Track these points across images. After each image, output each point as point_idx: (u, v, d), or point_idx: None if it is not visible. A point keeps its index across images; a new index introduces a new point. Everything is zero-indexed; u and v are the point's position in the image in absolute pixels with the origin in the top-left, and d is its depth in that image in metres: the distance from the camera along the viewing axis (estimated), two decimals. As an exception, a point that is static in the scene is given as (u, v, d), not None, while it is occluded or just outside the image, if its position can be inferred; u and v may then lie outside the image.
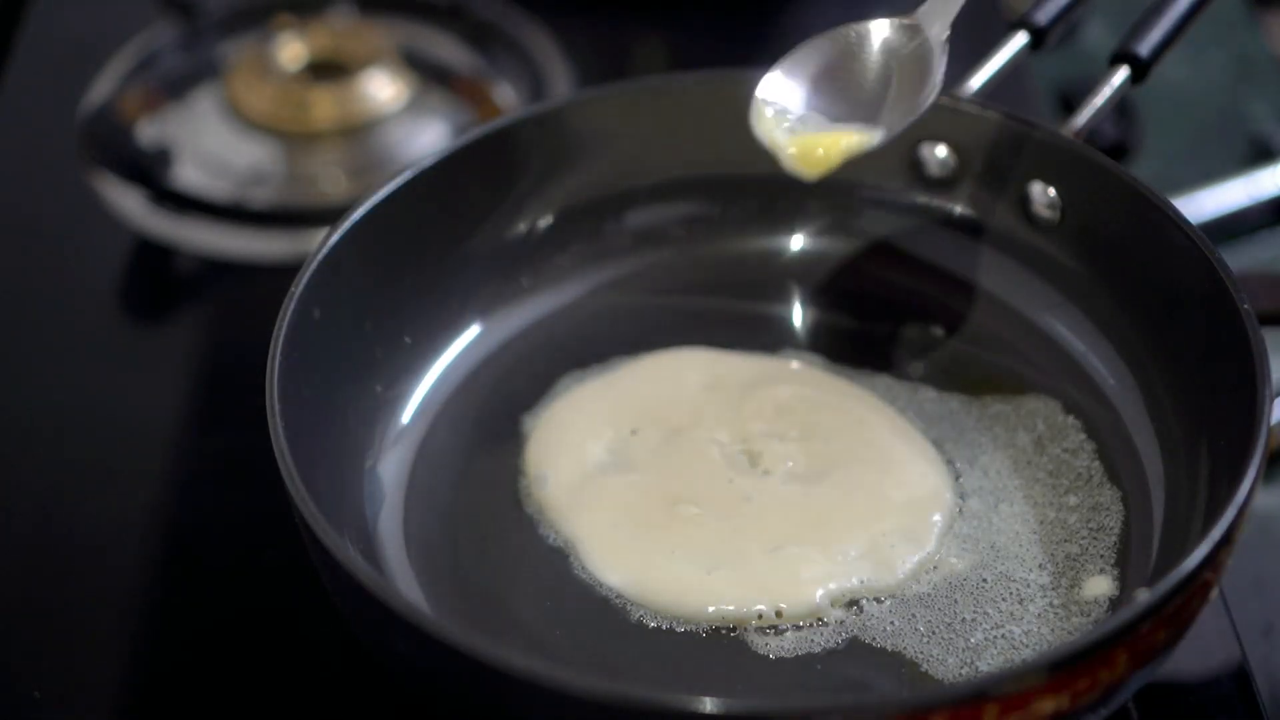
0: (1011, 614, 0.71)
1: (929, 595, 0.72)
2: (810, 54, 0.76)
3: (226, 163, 1.01)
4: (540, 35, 1.06)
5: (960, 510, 0.75)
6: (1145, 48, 0.79)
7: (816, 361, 0.81)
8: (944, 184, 0.83)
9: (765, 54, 1.09)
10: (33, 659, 0.77)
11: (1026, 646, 0.70)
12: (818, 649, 0.70)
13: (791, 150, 0.75)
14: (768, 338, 0.83)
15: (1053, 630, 0.70)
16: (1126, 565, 0.72)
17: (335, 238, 0.76)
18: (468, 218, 0.81)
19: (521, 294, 0.83)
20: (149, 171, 0.99)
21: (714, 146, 0.84)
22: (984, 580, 0.72)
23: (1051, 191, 0.80)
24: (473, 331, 0.82)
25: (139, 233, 0.97)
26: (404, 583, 0.72)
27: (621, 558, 0.73)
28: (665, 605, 0.72)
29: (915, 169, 0.83)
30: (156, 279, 0.98)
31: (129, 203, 0.98)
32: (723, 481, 0.75)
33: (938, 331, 0.82)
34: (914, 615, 0.71)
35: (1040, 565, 0.72)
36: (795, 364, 0.81)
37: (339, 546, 0.64)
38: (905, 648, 0.70)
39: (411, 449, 0.78)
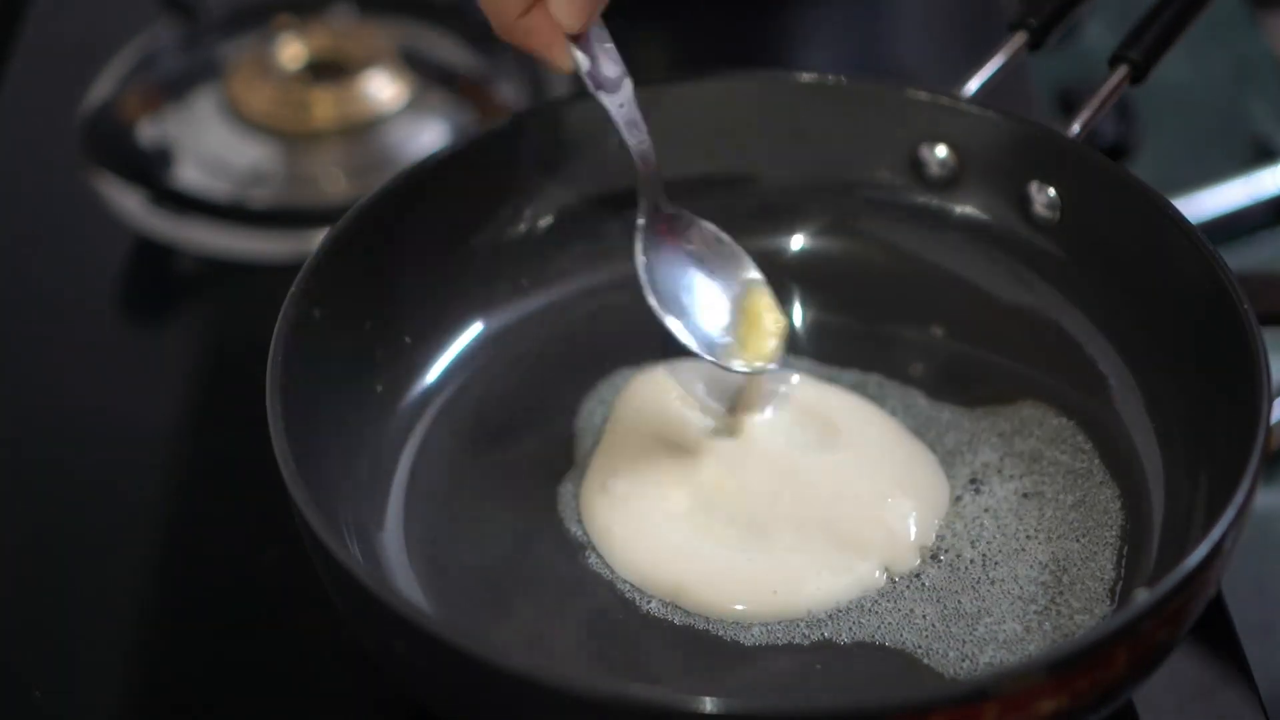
0: (1013, 612, 0.71)
1: (930, 595, 0.72)
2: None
3: (226, 163, 1.01)
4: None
5: (960, 510, 0.75)
6: (1145, 48, 0.79)
7: (815, 363, 0.82)
8: (944, 184, 0.83)
9: (765, 54, 1.10)
10: (33, 659, 0.77)
11: (1028, 642, 0.70)
12: (818, 647, 0.70)
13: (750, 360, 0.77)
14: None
15: (1055, 627, 0.70)
16: (1127, 565, 0.72)
17: (335, 237, 0.76)
18: (468, 218, 0.81)
19: (521, 294, 0.83)
20: (149, 171, 0.99)
21: (713, 146, 0.84)
22: (985, 578, 0.72)
23: (1051, 191, 0.80)
24: (473, 331, 0.82)
25: (139, 233, 0.97)
26: (404, 583, 0.72)
27: (629, 555, 0.73)
28: (675, 597, 0.72)
29: (915, 169, 0.83)
30: (156, 279, 0.98)
31: (129, 203, 0.98)
32: (729, 485, 0.75)
33: (937, 332, 0.83)
34: (914, 613, 0.71)
35: (1041, 564, 0.73)
36: (795, 375, 0.80)
37: (339, 546, 0.64)
38: (905, 646, 0.70)
39: (411, 449, 0.78)
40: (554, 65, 0.76)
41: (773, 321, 0.77)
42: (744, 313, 0.78)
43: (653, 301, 0.76)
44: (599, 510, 0.75)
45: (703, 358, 0.76)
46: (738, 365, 0.76)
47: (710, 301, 0.78)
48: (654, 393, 0.79)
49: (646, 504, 0.75)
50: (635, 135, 0.77)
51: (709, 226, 0.79)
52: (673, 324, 0.76)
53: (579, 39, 0.75)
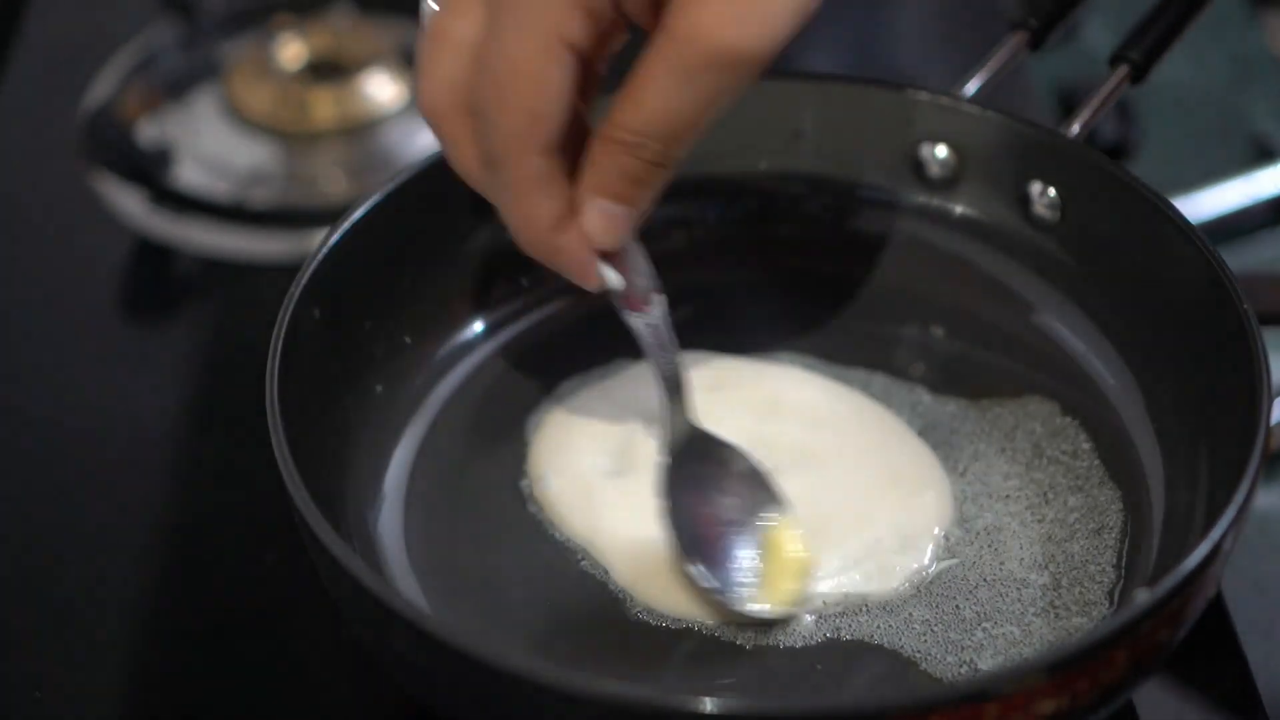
0: (1011, 614, 0.71)
1: (928, 595, 0.72)
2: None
3: (226, 163, 1.01)
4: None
5: (959, 511, 0.75)
6: (1145, 48, 0.79)
7: (816, 362, 0.82)
8: (944, 184, 0.83)
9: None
10: (33, 659, 0.77)
11: (1026, 646, 0.70)
12: (818, 649, 0.70)
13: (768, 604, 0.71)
14: (768, 338, 0.82)
15: (1053, 630, 0.70)
16: (1126, 565, 0.72)
17: (335, 238, 0.76)
18: (468, 218, 0.81)
19: (521, 294, 0.83)
20: (149, 171, 0.99)
21: (713, 146, 0.83)
22: (984, 580, 0.72)
23: (1051, 191, 0.80)
24: (473, 331, 0.82)
25: (139, 233, 0.97)
26: (404, 583, 0.72)
27: (624, 557, 0.73)
28: (666, 603, 0.72)
29: (915, 169, 0.83)
30: (156, 279, 0.98)
31: (129, 203, 0.98)
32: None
33: (937, 331, 0.83)
34: (913, 615, 0.71)
35: (1040, 565, 0.72)
36: (795, 369, 0.81)
37: (339, 546, 0.64)
38: (904, 647, 0.70)
39: (411, 449, 0.78)
40: (582, 284, 0.69)
41: (795, 563, 0.71)
42: (768, 550, 0.71)
43: (674, 545, 0.71)
44: (574, 515, 0.75)
45: (725, 603, 0.70)
46: (755, 607, 0.71)
47: (735, 538, 0.71)
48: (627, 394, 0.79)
49: (634, 507, 0.75)
50: (664, 359, 0.71)
51: (736, 448, 0.73)
52: (694, 571, 0.70)
53: (612, 255, 0.69)
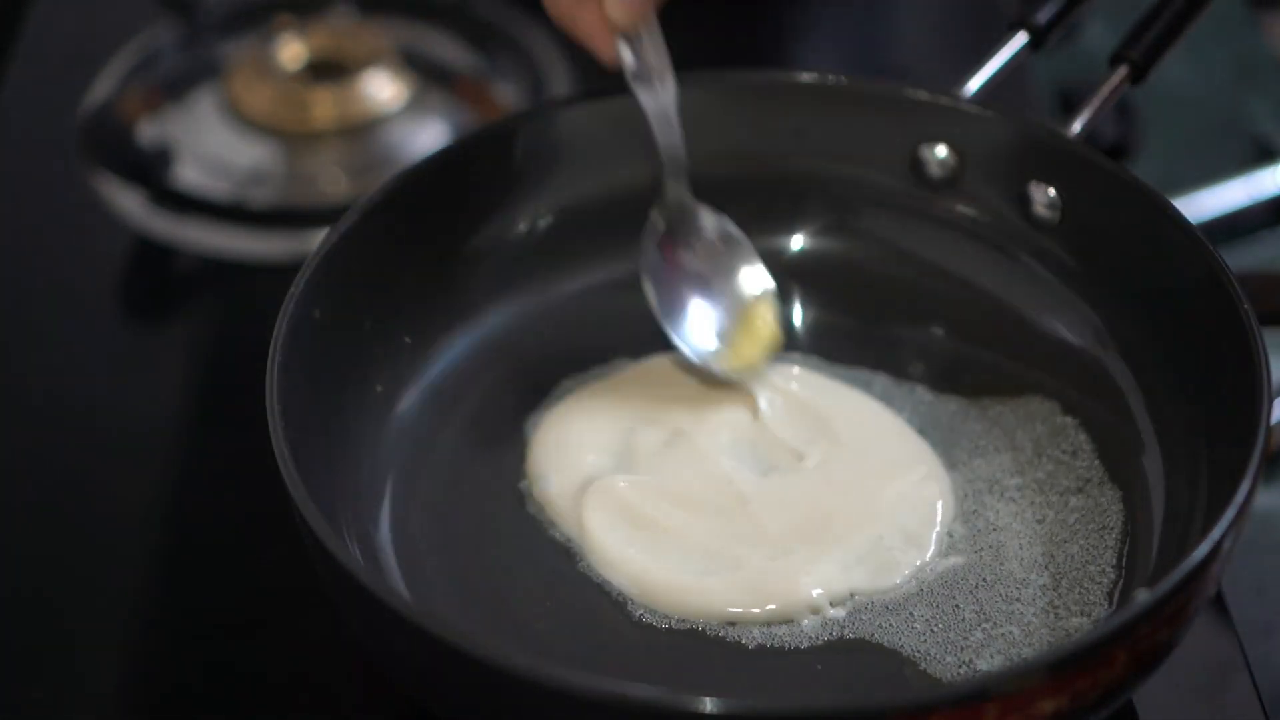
0: (1011, 614, 0.71)
1: (928, 595, 0.72)
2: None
3: (226, 163, 1.01)
4: (540, 35, 1.06)
5: (960, 511, 0.75)
6: (1145, 48, 0.79)
7: (816, 362, 0.82)
8: (944, 184, 0.83)
9: (765, 54, 1.10)
10: (33, 659, 0.77)
11: (1026, 646, 0.70)
12: (817, 649, 0.70)
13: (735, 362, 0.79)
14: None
15: (1052, 630, 0.70)
16: (1126, 565, 0.72)
17: (335, 238, 0.76)
18: (468, 217, 0.81)
19: (521, 294, 0.83)
20: (149, 171, 0.99)
21: (713, 146, 0.84)
22: (983, 580, 0.72)
23: (1051, 191, 0.80)
24: (473, 331, 0.82)
25: (139, 233, 0.97)
26: (404, 583, 0.72)
27: (623, 558, 0.73)
28: (666, 605, 0.72)
29: (915, 169, 0.83)
30: (156, 279, 0.98)
31: (129, 203, 0.98)
32: (722, 482, 0.75)
33: (937, 331, 0.83)
34: (913, 615, 0.71)
35: (1040, 565, 0.72)
36: (795, 367, 0.81)
37: (339, 546, 0.64)
38: (904, 647, 0.70)
39: (411, 449, 0.78)
40: (598, 57, 0.76)
41: (766, 333, 0.79)
42: (742, 319, 0.79)
43: (653, 301, 0.78)
44: (573, 515, 0.75)
45: (691, 359, 0.78)
46: (719, 368, 0.78)
47: (713, 305, 0.79)
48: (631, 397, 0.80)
49: (634, 511, 0.75)
50: (667, 134, 0.78)
51: (730, 227, 0.80)
52: (669, 327, 0.78)
53: (630, 36, 0.75)
